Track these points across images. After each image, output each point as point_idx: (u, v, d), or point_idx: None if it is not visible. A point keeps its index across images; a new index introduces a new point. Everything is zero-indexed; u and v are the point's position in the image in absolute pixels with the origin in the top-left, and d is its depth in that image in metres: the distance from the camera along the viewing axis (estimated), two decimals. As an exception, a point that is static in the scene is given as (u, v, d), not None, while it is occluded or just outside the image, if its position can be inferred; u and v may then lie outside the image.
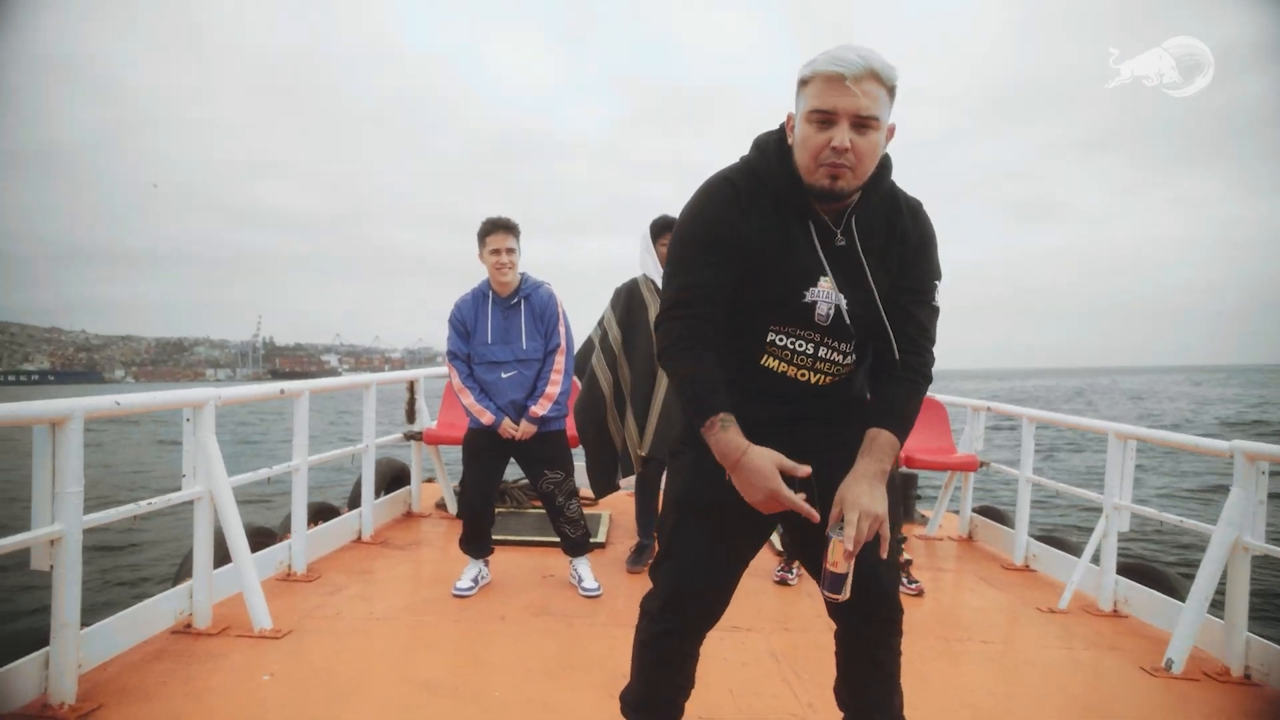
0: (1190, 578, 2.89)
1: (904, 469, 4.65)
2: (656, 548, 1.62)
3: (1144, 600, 3.22)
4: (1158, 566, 3.61)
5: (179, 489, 2.65)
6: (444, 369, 4.90)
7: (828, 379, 1.47)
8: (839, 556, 1.29)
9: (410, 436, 4.50)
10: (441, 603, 3.07)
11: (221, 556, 2.74)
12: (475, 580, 3.23)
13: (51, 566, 2.05)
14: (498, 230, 3.14)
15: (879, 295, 1.43)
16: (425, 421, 4.63)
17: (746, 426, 1.38)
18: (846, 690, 1.57)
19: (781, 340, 1.45)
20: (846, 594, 1.32)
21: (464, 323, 3.26)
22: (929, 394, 4.91)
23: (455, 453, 5.32)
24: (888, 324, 1.44)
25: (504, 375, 3.21)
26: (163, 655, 2.42)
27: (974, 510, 4.71)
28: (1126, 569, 3.54)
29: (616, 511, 4.69)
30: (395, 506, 4.53)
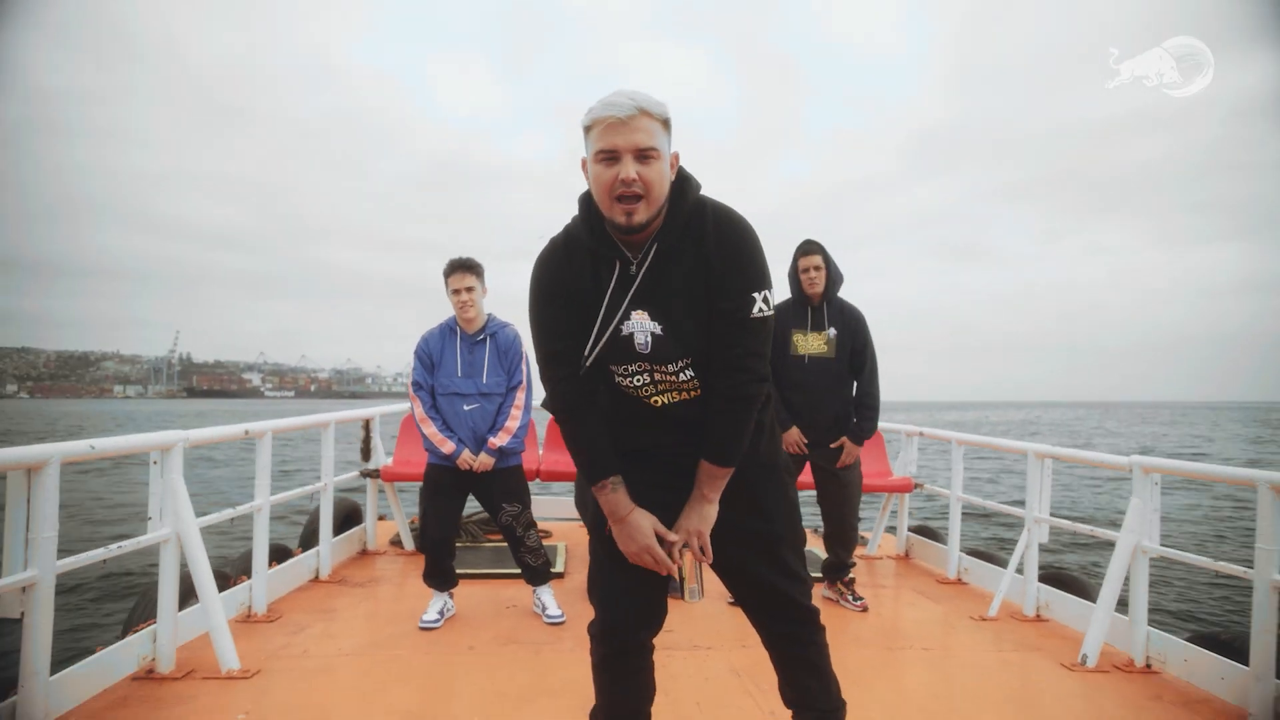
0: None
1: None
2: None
3: (1062, 605, 3.53)
4: (1074, 573, 3.96)
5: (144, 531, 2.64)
6: (398, 406, 4.96)
7: (680, 395, 1.60)
8: (681, 565, 1.61)
9: (367, 474, 4.50)
10: (409, 637, 3.11)
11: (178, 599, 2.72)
12: (441, 613, 3.29)
13: (22, 614, 2.04)
14: (458, 270, 3.29)
15: (684, 315, 1.52)
16: (381, 459, 4.65)
17: (637, 454, 1.62)
18: (788, 689, 1.74)
19: (621, 378, 1.59)
20: (691, 599, 1.63)
21: (430, 355, 3.38)
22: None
23: (411, 489, 5.33)
24: (708, 344, 1.55)
25: (466, 407, 3.32)
26: (128, 701, 2.40)
27: (910, 530, 5.01)
28: (1049, 578, 3.87)
29: (571, 542, 4.79)
30: (350, 545, 4.50)
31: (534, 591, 3.47)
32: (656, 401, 1.61)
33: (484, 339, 3.39)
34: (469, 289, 3.30)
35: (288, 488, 3.99)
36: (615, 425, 1.65)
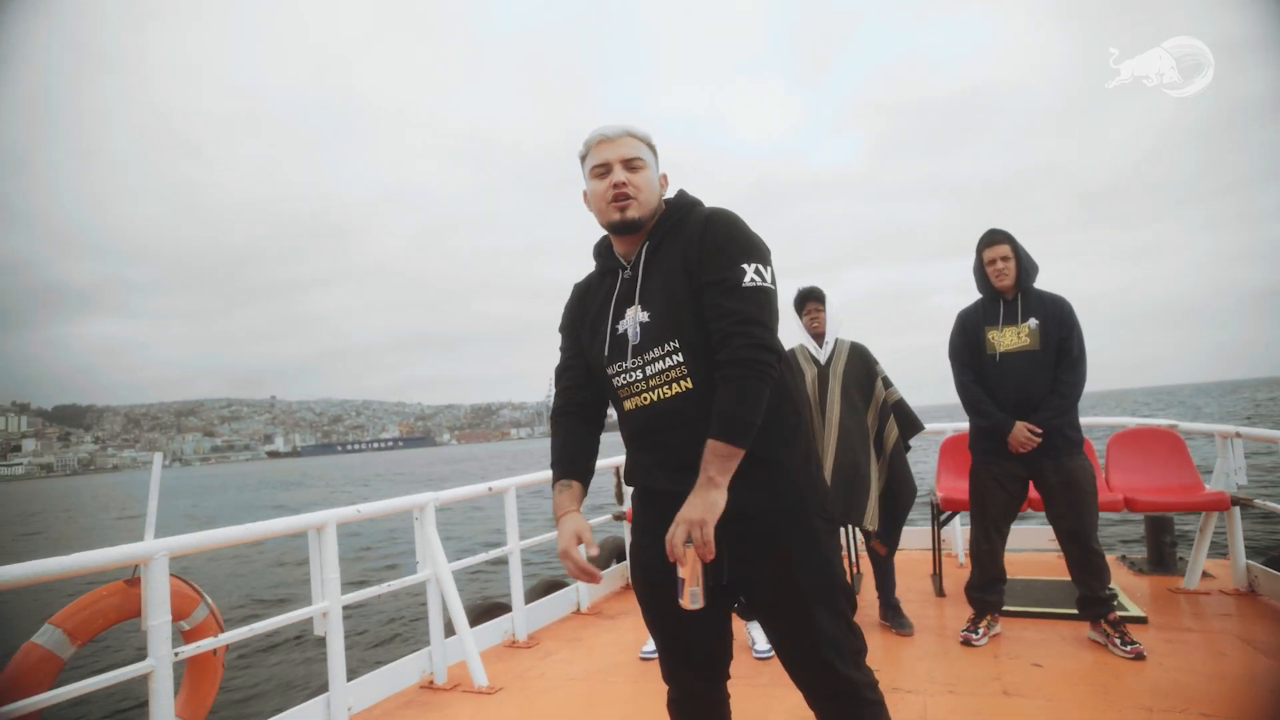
0: None
1: (1148, 513, 4.01)
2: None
3: None
4: None
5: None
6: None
7: (670, 390, 1.52)
8: (682, 563, 1.41)
9: (618, 517, 5.05)
10: (629, 666, 3.44)
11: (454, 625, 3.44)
12: (659, 645, 3.56)
13: (325, 633, 2.86)
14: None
15: (669, 297, 1.53)
16: (628, 502, 5.16)
17: (642, 486, 1.64)
18: None
19: (619, 378, 1.58)
20: (692, 604, 1.41)
21: None
22: (1162, 424, 4.24)
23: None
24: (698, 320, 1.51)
25: None
26: (410, 704, 3.13)
27: (1264, 561, 3.86)
28: None
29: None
30: (615, 580, 5.06)
31: (745, 625, 3.55)
32: (646, 399, 1.55)
33: None
34: None
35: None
36: (629, 448, 1.65)
